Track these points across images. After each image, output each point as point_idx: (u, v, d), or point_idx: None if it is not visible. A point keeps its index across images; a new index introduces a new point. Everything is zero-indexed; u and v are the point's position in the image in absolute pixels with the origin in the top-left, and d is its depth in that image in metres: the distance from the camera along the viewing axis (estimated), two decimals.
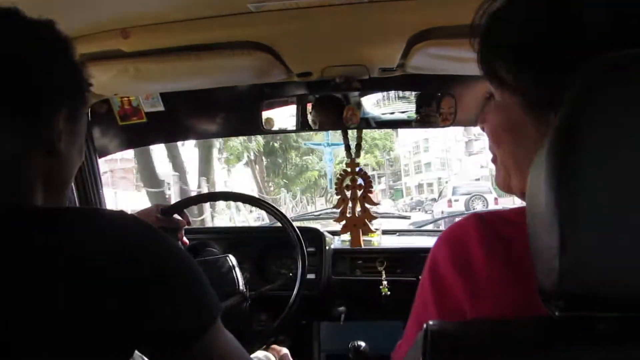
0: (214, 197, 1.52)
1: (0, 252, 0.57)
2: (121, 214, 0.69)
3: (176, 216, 1.40)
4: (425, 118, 1.59)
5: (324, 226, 1.99)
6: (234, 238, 1.82)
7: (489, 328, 0.45)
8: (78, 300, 0.56)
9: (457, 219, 0.61)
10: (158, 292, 0.61)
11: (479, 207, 14.13)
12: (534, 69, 0.52)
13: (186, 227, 1.47)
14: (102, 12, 1.20)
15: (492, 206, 14.05)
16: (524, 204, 0.50)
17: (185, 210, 1.45)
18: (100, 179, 1.68)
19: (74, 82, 0.74)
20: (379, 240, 1.80)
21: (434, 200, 18.62)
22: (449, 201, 15.13)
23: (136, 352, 0.63)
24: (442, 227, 2.04)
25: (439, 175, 34.70)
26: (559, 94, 0.49)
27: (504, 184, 0.63)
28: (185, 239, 1.43)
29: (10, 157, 0.64)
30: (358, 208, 1.67)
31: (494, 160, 0.64)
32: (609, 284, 0.38)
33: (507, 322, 0.46)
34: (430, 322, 0.45)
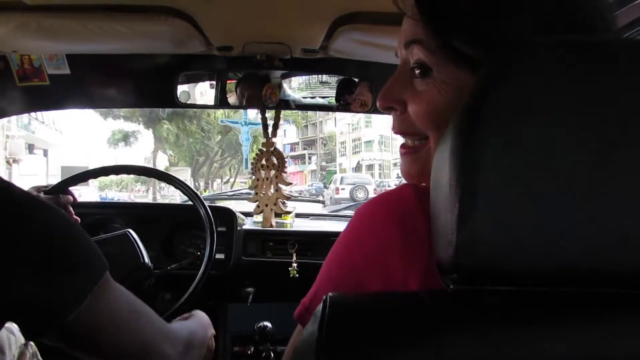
0: (109, 171, 1.42)
1: None
2: None
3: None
4: (345, 105, 1.60)
5: (238, 207, 1.95)
6: (140, 214, 1.74)
7: (387, 300, 0.45)
8: None
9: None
10: (25, 255, 0.57)
11: (361, 195, 15.99)
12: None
13: (90, 201, 1.38)
14: None
15: (371, 195, 15.29)
16: None
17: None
18: None
19: None
20: (291, 223, 1.80)
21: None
22: (337, 189, 17.34)
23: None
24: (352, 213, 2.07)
25: (382, 157, 29.71)
26: None
27: (424, 173, 0.55)
28: (75, 216, 1.34)
29: None
30: (272, 189, 1.65)
31: (410, 149, 0.58)
32: (501, 259, 0.39)
33: (405, 294, 0.46)
34: (330, 294, 0.44)
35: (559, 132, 0.38)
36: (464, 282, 0.41)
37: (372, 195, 16.03)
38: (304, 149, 34.70)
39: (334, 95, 1.78)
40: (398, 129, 0.58)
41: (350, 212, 2.07)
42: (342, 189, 17.20)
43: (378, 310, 0.44)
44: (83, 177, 1.43)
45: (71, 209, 1.31)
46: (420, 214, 0.48)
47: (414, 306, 0.44)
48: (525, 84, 0.39)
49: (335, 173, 28.63)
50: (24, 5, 1.21)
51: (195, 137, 19.68)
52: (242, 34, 1.37)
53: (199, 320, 1.06)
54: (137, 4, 1.23)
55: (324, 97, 1.88)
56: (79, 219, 1.35)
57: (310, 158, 34.35)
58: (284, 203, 1.68)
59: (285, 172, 1.65)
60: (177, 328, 0.86)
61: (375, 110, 1.55)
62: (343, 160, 32.25)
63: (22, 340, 1.06)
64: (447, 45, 0.50)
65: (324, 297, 0.44)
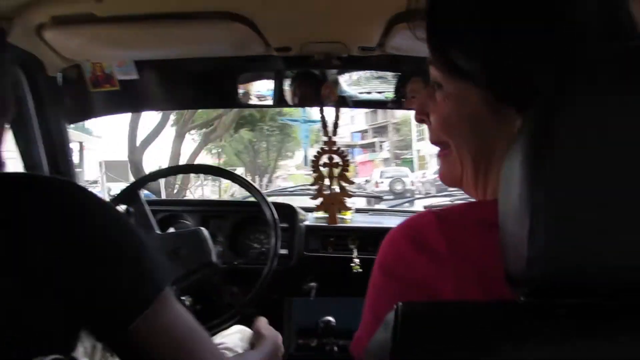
0: (182, 170, 1.49)
1: None
2: (63, 180, 0.69)
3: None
4: (402, 100, 1.60)
5: (298, 202, 1.99)
6: (207, 211, 1.81)
7: (457, 309, 0.46)
8: (24, 260, 0.56)
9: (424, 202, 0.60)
10: (98, 261, 0.60)
11: (399, 187, 17.53)
12: (494, 59, 0.52)
13: (159, 199, 1.46)
14: None
15: (408, 186, 17.67)
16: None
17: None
18: (68, 145, 1.64)
19: None
20: (351, 219, 1.81)
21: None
22: (376, 183, 18.48)
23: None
24: (413, 208, 2.07)
25: None
26: (522, 89, 0.49)
27: (453, 178, 0.61)
28: None
29: None
30: (334, 186, 1.67)
31: (441, 154, 0.63)
32: (572, 272, 0.40)
33: (476, 304, 0.47)
34: (401, 303, 0.45)
35: (630, 149, 0.38)
36: (535, 294, 0.41)
37: (409, 187, 17.51)
38: (374, 136, 32.81)
39: (391, 89, 1.77)
40: (430, 139, 0.64)
41: (408, 208, 2.07)
42: (381, 182, 18.29)
43: (449, 318, 0.45)
44: (152, 177, 1.50)
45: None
46: (441, 238, 0.53)
47: (484, 315, 0.45)
48: (592, 103, 0.39)
49: (412, 162, 28.03)
50: (95, 18, 1.28)
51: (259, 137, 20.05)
52: (300, 34, 1.39)
53: (267, 350, 1.07)
54: (199, 11, 1.27)
55: (380, 92, 1.88)
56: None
57: (381, 146, 32.59)
58: (348, 205, 1.70)
59: (348, 171, 1.67)
60: None
61: None
62: (422, 146, 28.96)
63: None
64: (448, 61, 0.55)
65: (395, 306, 0.45)
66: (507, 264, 0.43)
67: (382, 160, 31.00)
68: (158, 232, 1.46)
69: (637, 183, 0.38)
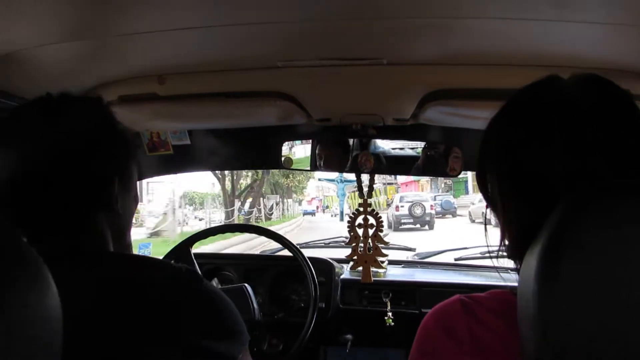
0: (230, 229, 1.63)
1: (86, 287, 0.69)
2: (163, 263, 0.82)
3: None
4: (432, 163, 1.70)
5: (333, 253, 2.09)
6: (248, 264, 1.93)
7: None
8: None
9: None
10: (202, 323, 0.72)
11: (418, 211, 18.55)
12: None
13: (205, 252, 1.58)
14: (142, 59, 1.30)
15: (428, 210, 18.57)
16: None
17: None
18: None
19: (123, 154, 0.85)
20: (385, 272, 1.90)
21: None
22: (397, 207, 19.36)
23: None
24: (442, 259, 2.15)
25: None
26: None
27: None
28: None
29: (82, 215, 0.78)
30: (369, 245, 1.77)
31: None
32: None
33: None
34: None
35: (629, 268, 0.46)
36: None
37: (429, 210, 18.49)
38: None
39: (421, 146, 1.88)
40: None
41: (439, 259, 2.15)
42: (402, 206, 19.14)
43: None
44: (202, 235, 1.64)
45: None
46: (464, 327, 0.63)
47: None
48: (596, 227, 0.49)
49: (465, 183, 28.21)
50: (157, 96, 1.44)
51: None
52: (339, 108, 1.52)
53: None
54: (248, 90, 1.42)
55: (412, 148, 1.98)
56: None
57: None
58: (381, 260, 1.80)
59: (382, 231, 1.77)
60: None
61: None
62: None
63: None
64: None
65: None
66: (523, 345, 0.53)
67: (427, 180, 30.72)
68: None
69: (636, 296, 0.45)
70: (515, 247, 0.66)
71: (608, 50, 1.10)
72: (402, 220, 18.71)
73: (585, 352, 0.47)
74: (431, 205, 19.34)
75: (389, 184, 30.43)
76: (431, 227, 18.21)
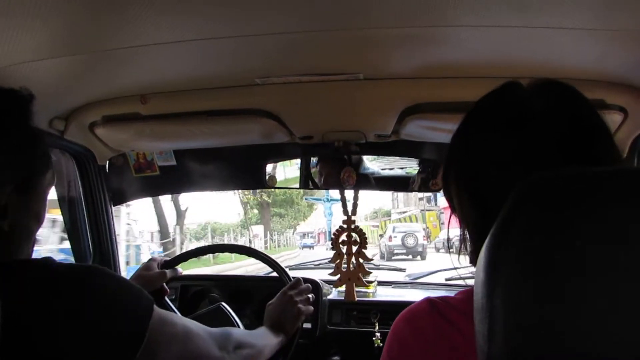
0: (213, 249, 1.61)
1: None
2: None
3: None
4: (425, 181, 1.71)
5: (322, 275, 2.07)
6: (235, 286, 1.91)
7: None
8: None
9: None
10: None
11: (411, 241, 18.74)
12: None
13: (192, 274, 1.57)
14: (125, 79, 1.33)
15: (421, 241, 18.80)
16: None
17: None
18: (113, 226, 1.80)
19: (25, 161, 0.75)
20: (374, 292, 1.88)
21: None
22: (390, 237, 19.59)
23: None
24: (433, 280, 2.12)
25: None
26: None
27: None
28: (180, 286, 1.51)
29: None
30: (352, 264, 1.76)
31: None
32: None
33: None
34: None
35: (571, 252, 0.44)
36: None
37: (421, 241, 18.66)
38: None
39: (413, 166, 1.89)
40: None
41: (430, 280, 2.13)
42: (395, 236, 19.37)
43: None
44: (185, 257, 1.62)
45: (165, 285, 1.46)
46: (432, 327, 0.63)
47: None
48: (541, 210, 0.48)
49: None
50: (140, 116, 1.46)
51: None
52: (321, 125, 1.54)
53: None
54: (231, 109, 1.44)
55: (401, 168, 1.99)
56: (168, 290, 1.50)
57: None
58: (365, 278, 1.78)
59: (366, 249, 1.76)
60: (226, 332, 1.00)
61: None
62: None
63: None
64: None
65: None
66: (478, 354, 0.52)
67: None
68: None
69: (577, 287, 0.44)
70: (476, 252, 0.66)
71: (592, 60, 1.12)
72: (395, 251, 18.79)
73: (528, 342, 0.45)
74: (423, 236, 19.50)
75: (428, 210, 28.84)
76: (423, 258, 18.21)
